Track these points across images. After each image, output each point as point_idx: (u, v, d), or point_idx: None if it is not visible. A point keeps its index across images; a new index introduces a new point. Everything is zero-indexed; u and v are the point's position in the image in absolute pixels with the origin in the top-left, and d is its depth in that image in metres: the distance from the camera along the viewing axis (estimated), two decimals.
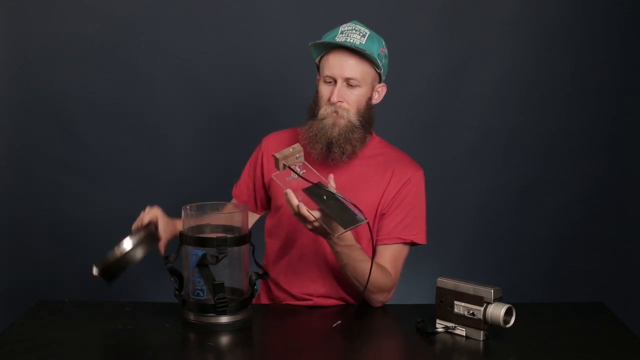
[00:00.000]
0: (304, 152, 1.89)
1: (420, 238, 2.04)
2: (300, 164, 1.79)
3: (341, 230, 1.68)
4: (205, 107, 3.16)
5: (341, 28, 1.98)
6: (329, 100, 1.95)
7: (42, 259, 3.16)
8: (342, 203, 1.70)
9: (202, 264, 1.75)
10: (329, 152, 1.96)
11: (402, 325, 1.88)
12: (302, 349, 1.71)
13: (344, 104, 1.95)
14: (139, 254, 1.81)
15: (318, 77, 2.04)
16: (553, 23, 3.15)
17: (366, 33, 1.97)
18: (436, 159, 3.17)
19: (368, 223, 1.73)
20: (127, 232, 3.11)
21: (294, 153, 1.77)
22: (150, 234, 1.86)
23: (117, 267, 1.81)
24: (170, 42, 3.10)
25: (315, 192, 1.71)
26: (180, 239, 1.79)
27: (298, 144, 1.81)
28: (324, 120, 1.96)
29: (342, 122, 1.95)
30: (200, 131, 3.17)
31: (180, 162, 3.18)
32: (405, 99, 3.18)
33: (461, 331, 1.73)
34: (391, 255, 2.00)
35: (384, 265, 1.97)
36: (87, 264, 3.11)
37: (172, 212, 2.00)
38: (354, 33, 1.96)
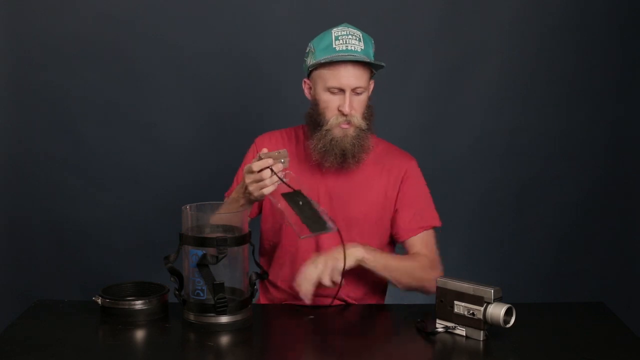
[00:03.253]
0: (314, 164, 1.97)
1: (437, 221, 2.10)
2: (285, 169, 1.80)
3: (308, 233, 1.74)
4: (205, 107, 3.16)
5: (334, 33, 1.97)
6: (339, 110, 1.95)
7: (42, 259, 3.16)
8: (316, 211, 1.76)
9: (202, 264, 1.75)
10: (344, 162, 1.98)
11: (402, 325, 1.88)
12: (302, 349, 1.71)
13: (353, 112, 1.96)
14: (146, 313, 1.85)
15: (306, 81, 2.04)
16: (553, 23, 3.15)
17: (360, 36, 1.98)
18: (436, 159, 3.17)
19: (339, 231, 1.82)
20: (127, 233, 3.14)
21: (279, 157, 1.79)
22: (162, 303, 1.89)
23: (122, 314, 1.84)
24: (171, 42, 3.10)
25: (293, 198, 1.78)
26: (180, 239, 1.79)
27: (285, 149, 1.82)
28: (333, 132, 1.96)
29: (351, 131, 1.96)
30: (201, 131, 3.17)
31: (180, 162, 3.18)
32: (405, 99, 3.18)
33: (461, 331, 1.73)
34: (421, 242, 2.06)
35: (419, 252, 2.03)
36: (87, 264, 3.16)
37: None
38: (351, 39, 1.96)
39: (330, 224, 1.75)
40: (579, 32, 3.16)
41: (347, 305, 2.03)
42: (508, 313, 1.68)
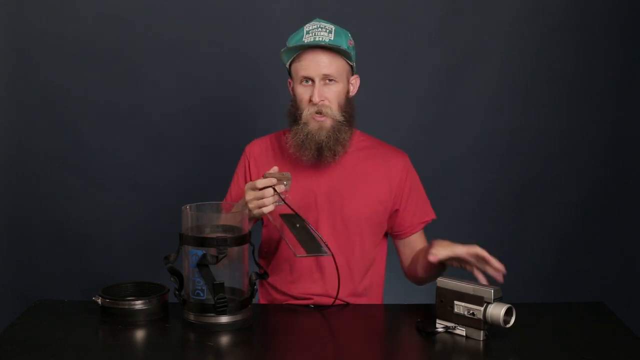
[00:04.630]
0: (292, 159, 1.99)
1: (433, 214, 2.14)
2: (286, 192, 1.84)
3: (304, 254, 1.79)
4: (205, 107, 3.16)
5: (306, 28, 1.99)
6: (310, 101, 1.96)
7: (42, 259, 3.16)
8: (312, 234, 1.80)
9: (202, 264, 1.75)
10: (320, 155, 1.98)
11: (402, 325, 1.88)
12: (302, 349, 1.71)
13: (326, 102, 1.96)
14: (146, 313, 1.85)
15: (290, 81, 2.06)
16: (553, 23, 3.15)
17: (332, 29, 1.98)
18: (436, 159, 3.17)
19: (334, 257, 1.85)
20: (127, 233, 3.15)
21: (282, 179, 1.82)
22: (162, 302, 1.90)
23: (122, 314, 1.84)
24: (171, 43, 3.10)
25: (290, 220, 1.83)
26: (180, 239, 1.79)
27: (289, 173, 1.85)
28: (309, 125, 1.96)
29: (328, 123, 1.97)
30: (201, 131, 3.18)
31: (180, 162, 3.18)
32: (405, 99, 3.18)
33: (461, 331, 1.73)
34: (421, 239, 2.12)
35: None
36: (87, 264, 3.15)
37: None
38: (320, 31, 1.97)
39: (324, 248, 1.79)
40: (579, 32, 3.16)
41: (347, 305, 2.03)
42: (508, 313, 1.68)
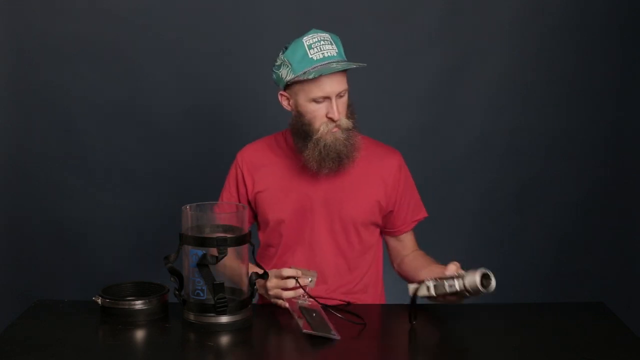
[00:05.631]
0: (303, 170, 2.00)
1: (425, 211, 2.15)
2: (309, 287, 1.87)
3: (310, 330, 1.78)
4: (205, 107, 3.16)
5: (306, 42, 1.95)
6: (328, 117, 1.94)
7: (42, 259, 3.16)
8: (325, 321, 1.80)
9: (202, 264, 1.75)
10: (340, 164, 1.98)
11: (402, 325, 1.88)
12: (302, 349, 1.71)
13: (341, 115, 1.96)
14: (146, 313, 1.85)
15: (284, 95, 2.02)
16: (553, 23, 3.15)
17: (330, 39, 1.96)
18: (436, 159, 3.17)
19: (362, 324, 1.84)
20: (127, 233, 3.15)
21: (307, 274, 1.87)
22: (162, 302, 1.90)
23: (122, 314, 1.84)
24: (171, 42, 3.10)
25: (309, 311, 1.84)
26: (180, 239, 1.79)
27: (316, 272, 1.90)
28: (325, 139, 1.95)
29: (339, 133, 1.96)
30: (201, 131, 3.18)
31: (180, 162, 3.18)
32: (405, 99, 3.18)
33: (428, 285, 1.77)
34: (412, 239, 2.15)
35: (414, 247, 2.14)
36: (87, 264, 3.16)
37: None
38: (324, 44, 1.94)
39: (334, 332, 1.77)
40: (579, 32, 3.16)
41: (347, 304, 2.03)
42: (485, 277, 1.70)
